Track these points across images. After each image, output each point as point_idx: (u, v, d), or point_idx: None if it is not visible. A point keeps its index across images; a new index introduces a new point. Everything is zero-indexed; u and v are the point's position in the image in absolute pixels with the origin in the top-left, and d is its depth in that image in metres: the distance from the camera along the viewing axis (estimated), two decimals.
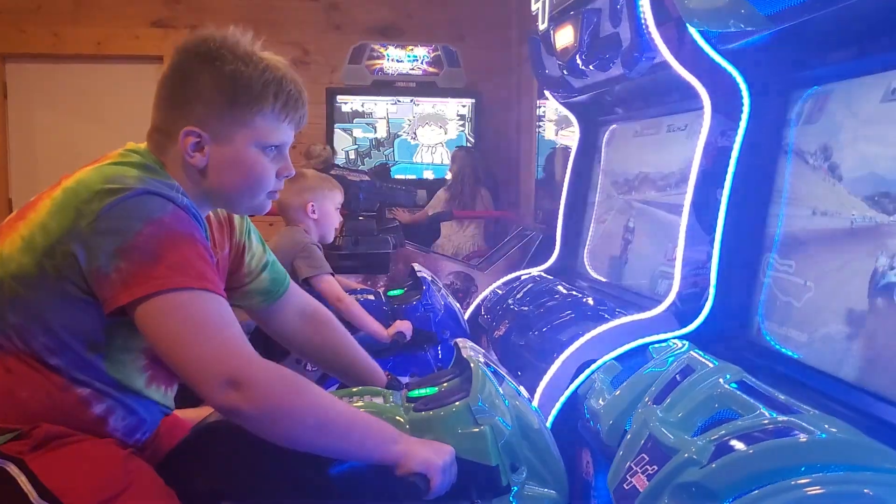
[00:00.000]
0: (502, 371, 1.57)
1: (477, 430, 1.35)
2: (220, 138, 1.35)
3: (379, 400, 1.50)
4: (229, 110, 1.34)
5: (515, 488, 1.38)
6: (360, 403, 1.45)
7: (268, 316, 1.68)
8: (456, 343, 1.64)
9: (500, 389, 1.45)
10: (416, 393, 1.50)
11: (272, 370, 1.22)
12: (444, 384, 1.52)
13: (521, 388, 1.60)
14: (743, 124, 1.88)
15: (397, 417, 1.40)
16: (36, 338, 1.25)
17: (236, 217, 1.58)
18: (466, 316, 3.23)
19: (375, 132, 6.35)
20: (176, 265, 1.20)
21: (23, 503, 1.18)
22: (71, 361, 1.26)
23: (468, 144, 6.09)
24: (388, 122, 6.35)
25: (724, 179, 1.94)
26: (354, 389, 1.60)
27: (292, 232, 2.83)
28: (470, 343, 1.64)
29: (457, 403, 1.38)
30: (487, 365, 1.51)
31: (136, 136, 1.42)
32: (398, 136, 6.40)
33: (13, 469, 1.20)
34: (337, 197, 2.94)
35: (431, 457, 1.28)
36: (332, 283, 2.74)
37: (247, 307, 1.66)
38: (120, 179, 1.25)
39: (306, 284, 2.67)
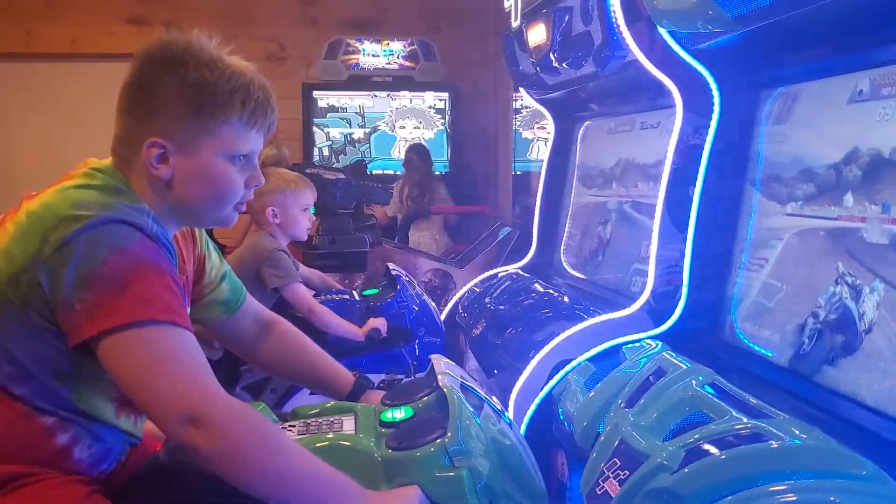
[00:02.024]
0: (481, 392, 1.51)
1: (454, 474, 1.28)
2: (186, 149, 1.29)
3: (350, 423, 1.43)
4: (194, 120, 1.29)
5: None
6: (330, 436, 1.37)
7: (227, 328, 1.62)
8: (431, 360, 1.59)
9: (479, 419, 1.38)
10: (390, 417, 1.42)
11: (236, 410, 1.17)
12: (420, 402, 1.46)
13: (497, 403, 1.55)
14: (714, 123, 1.88)
15: (371, 454, 1.33)
16: (1, 367, 1.19)
17: (195, 228, 1.53)
18: (444, 314, 3.23)
19: (351, 127, 6.32)
20: (141, 297, 1.15)
21: None
22: (36, 391, 1.21)
23: (426, 138, 6.10)
24: (364, 118, 6.33)
25: (696, 177, 1.94)
26: (329, 405, 1.54)
27: (257, 238, 2.73)
28: (444, 361, 1.58)
29: (433, 445, 1.29)
30: (464, 387, 1.46)
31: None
32: (375, 131, 6.37)
33: None
34: (302, 198, 2.80)
35: None
36: (301, 293, 2.67)
37: (207, 320, 1.60)
38: (87, 205, 1.19)
39: (275, 293, 2.63)
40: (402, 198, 5.53)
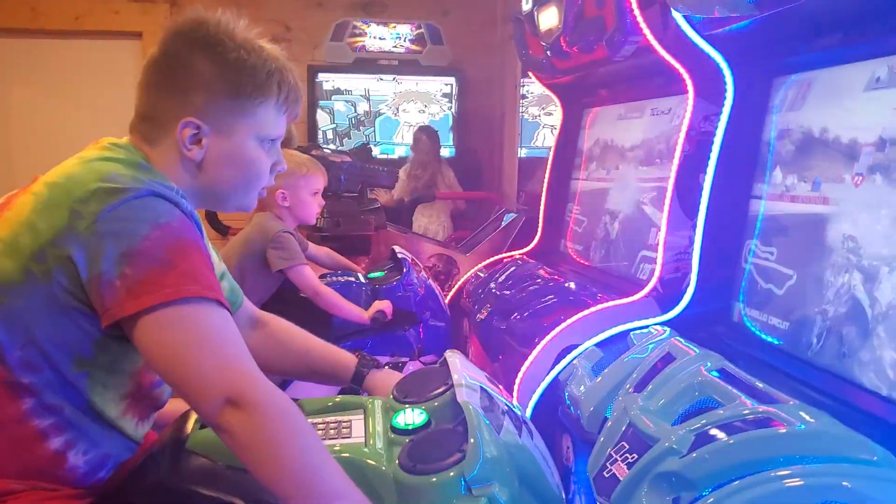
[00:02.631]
0: (501, 398, 1.43)
1: None
2: (221, 130, 1.27)
3: (359, 425, 1.36)
4: (233, 100, 1.27)
5: None
6: (338, 447, 1.28)
7: None
8: (445, 358, 1.51)
9: (500, 435, 1.29)
10: (402, 422, 1.34)
11: (277, 397, 1.12)
12: (435, 402, 1.39)
13: (514, 404, 1.47)
14: (726, 110, 1.87)
15: (383, 473, 1.25)
16: (14, 351, 1.13)
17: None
18: (448, 299, 3.23)
19: (356, 110, 6.30)
20: (187, 273, 1.11)
21: None
22: (49, 379, 1.15)
23: (431, 122, 6.06)
24: (369, 101, 6.30)
25: (707, 164, 1.93)
26: (336, 399, 1.47)
27: (263, 219, 2.71)
28: (461, 360, 1.49)
29: (451, 470, 1.20)
30: (484, 396, 1.37)
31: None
32: (380, 115, 6.35)
33: None
34: (313, 182, 2.77)
35: None
36: (306, 275, 2.65)
37: None
38: (116, 178, 1.15)
39: (281, 275, 2.62)
40: (409, 179, 5.49)
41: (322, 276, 2.89)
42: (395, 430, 1.34)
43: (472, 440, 1.23)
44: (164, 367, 1.12)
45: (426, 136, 5.62)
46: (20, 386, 1.14)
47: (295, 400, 1.41)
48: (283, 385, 2.52)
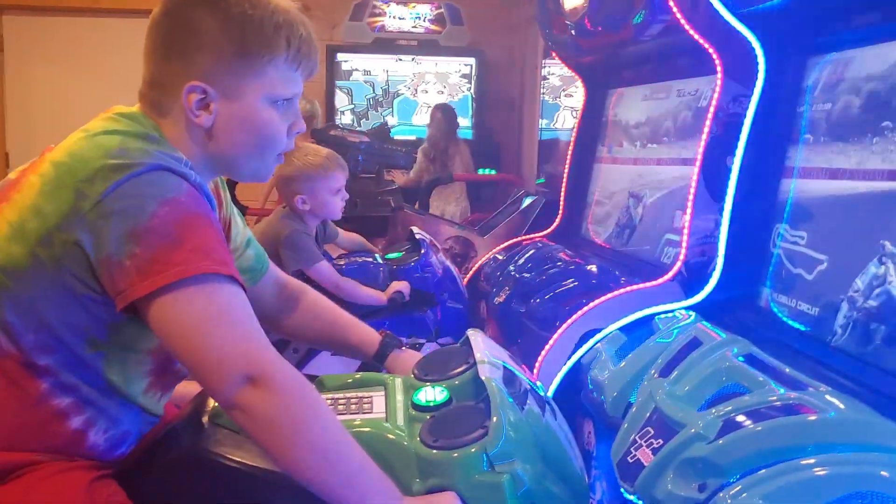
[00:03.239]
0: (524, 376, 1.40)
1: (494, 480, 1.17)
2: (229, 93, 1.19)
3: (380, 401, 1.34)
4: (238, 60, 1.18)
5: None
6: (358, 421, 1.26)
7: (252, 297, 1.48)
8: (467, 336, 1.48)
9: (523, 413, 1.26)
10: (423, 399, 1.31)
11: (294, 375, 1.10)
12: (457, 380, 1.36)
13: (538, 384, 1.44)
14: (757, 91, 1.83)
15: (404, 448, 1.21)
16: (27, 335, 1.10)
17: (221, 189, 1.44)
18: (465, 281, 3.20)
19: (374, 91, 6.26)
20: (198, 249, 1.06)
21: None
22: (64, 360, 1.12)
23: (450, 103, 6.00)
24: (388, 81, 6.26)
25: (735, 147, 1.89)
26: (356, 376, 1.45)
27: (278, 219, 2.65)
28: (483, 338, 1.45)
29: (472, 447, 1.18)
30: (507, 372, 1.35)
31: (135, 92, 1.30)
32: (398, 96, 6.31)
33: None
34: (332, 181, 2.65)
35: None
36: (325, 271, 2.60)
37: None
38: (122, 153, 1.10)
39: (299, 274, 2.59)
40: (424, 158, 5.44)
41: (339, 258, 2.87)
42: (415, 406, 1.31)
43: (494, 416, 1.20)
44: (178, 347, 1.09)
45: (441, 113, 5.57)
46: (37, 367, 1.12)
47: (314, 377, 1.41)
48: (306, 359, 2.51)
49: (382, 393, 1.37)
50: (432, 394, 1.32)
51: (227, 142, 1.23)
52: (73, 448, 1.16)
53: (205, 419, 1.25)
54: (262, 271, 1.54)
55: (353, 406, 1.33)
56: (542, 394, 1.40)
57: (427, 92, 6.29)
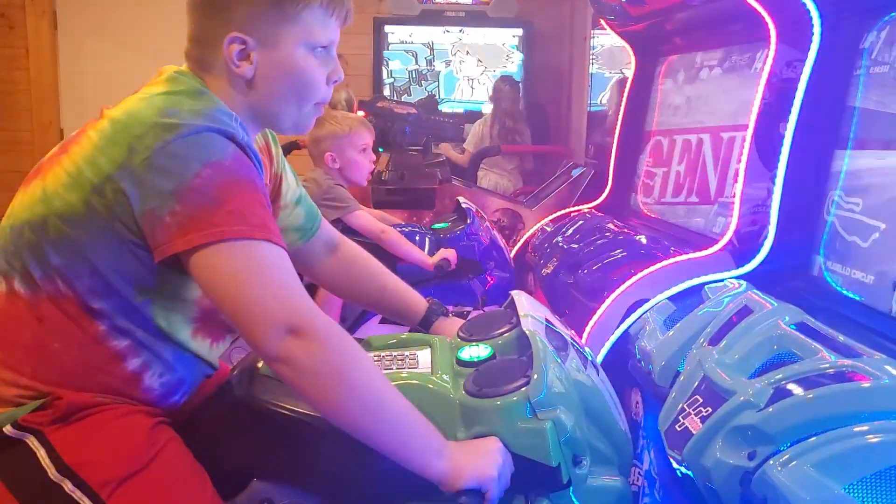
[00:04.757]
0: (566, 333, 1.42)
1: (536, 426, 1.20)
2: (267, 41, 1.23)
3: (425, 358, 1.37)
4: (274, 8, 1.22)
5: (583, 476, 1.26)
6: (405, 374, 1.30)
7: (301, 255, 1.55)
8: (511, 296, 1.51)
9: (566, 366, 1.29)
10: (468, 356, 1.34)
11: (336, 327, 1.13)
12: (499, 340, 1.39)
13: (581, 343, 1.46)
14: (812, 54, 1.78)
15: (449, 397, 1.25)
16: (81, 279, 1.15)
17: (272, 145, 1.49)
18: (513, 253, 3.20)
19: (417, 63, 6.20)
20: (236, 212, 1.10)
21: (41, 478, 1.12)
22: (117, 305, 1.17)
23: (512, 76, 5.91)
24: (433, 52, 6.21)
25: (788, 113, 1.85)
26: (402, 336, 1.49)
27: (316, 175, 2.74)
28: (527, 298, 1.48)
29: (515, 395, 1.21)
30: (549, 328, 1.38)
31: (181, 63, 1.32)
32: (447, 66, 6.25)
33: (33, 442, 1.14)
34: (358, 139, 2.77)
35: (485, 469, 1.15)
36: (366, 218, 2.67)
37: None
38: (174, 113, 1.14)
39: (339, 223, 2.63)
40: (491, 133, 5.37)
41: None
42: (460, 362, 1.34)
43: (537, 366, 1.23)
44: (219, 301, 1.12)
45: (508, 85, 5.48)
46: (93, 310, 1.17)
47: (360, 339, 1.44)
48: (353, 328, 2.55)
49: (428, 351, 1.41)
50: (476, 351, 1.36)
51: (268, 91, 1.27)
52: (130, 391, 1.21)
53: (259, 369, 1.29)
54: (313, 230, 1.58)
55: (399, 362, 1.37)
56: (582, 350, 1.43)
57: (465, 63, 6.20)
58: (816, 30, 1.77)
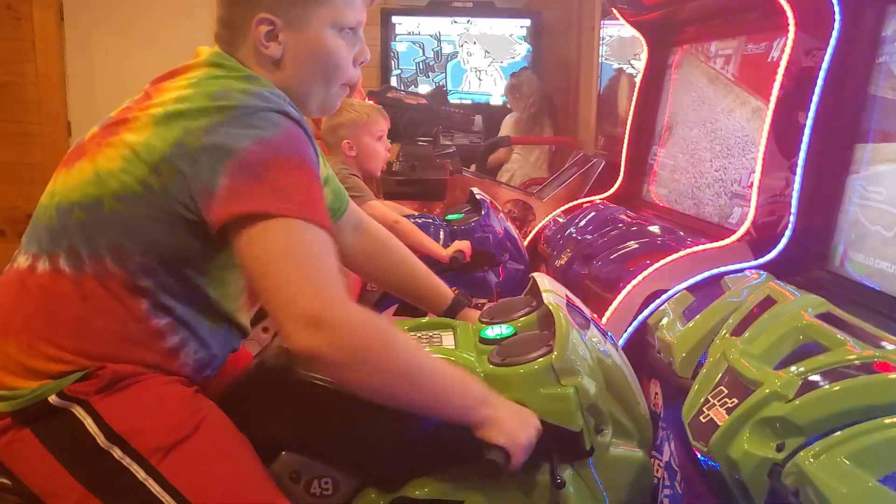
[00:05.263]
0: (585, 312, 1.46)
1: (560, 391, 1.23)
2: (295, 22, 1.24)
3: (450, 338, 1.41)
4: None
5: (605, 444, 1.30)
6: (426, 349, 1.35)
7: None
8: (532, 277, 1.54)
9: (586, 339, 1.34)
10: (489, 334, 1.39)
11: (359, 314, 1.13)
12: (520, 321, 1.43)
13: (601, 324, 1.50)
14: (833, 42, 1.76)
15: (473, 368, 1.30)
16: (132, 257, 1.18)
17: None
18: (525, 244, 3.18)
19: (424, 54, 6.16)
20: (279, 190, 1.11)
21: (91, 446, 1.15)
22: (164, 282, 1.20)
23: (527, 67, 5.86)
24: (440, 43, 6.17)
25: (807, 102, 1.83)
26: (421, 321, 1.52)
27: (331, 163, 2.72)
28: (548, 279, 1.52)
29: (539, 361, 1.25)
30: (571, 307, 1.41)
31: (192, 59, 1.32)
32: (452, 59, 6.22)
33: (79, 411, 1.16)
34: (375, 126, 2.78)
35: (517, 433, 1.18)
36: (380, 208, 2.67)
37: None
38: (226, 94, 1.17)
39: None
40: (526, 121, 5.21)
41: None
42: (483, 340, 1.38)
43: (559, 334, 1.27)
44: (251, 278, 1.14)
45: (535, 78, 5.38)
46: (138, 288, 1.19)
47: None
48: (382, 300, 2.55)
49: (451, 333, 1.45)
50: (498, 329, 1.40)
51: (296, 71, 1.28)
52: (167, 366, 1.24)
53: None
54: (341, 211, 1.61)
55: (424, 341, 1.41)
56: (602, 329, 1.47)
57: (473, 55, 6.16)
58: (837, 16, 1.74)
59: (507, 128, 5.29)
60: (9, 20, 5.69)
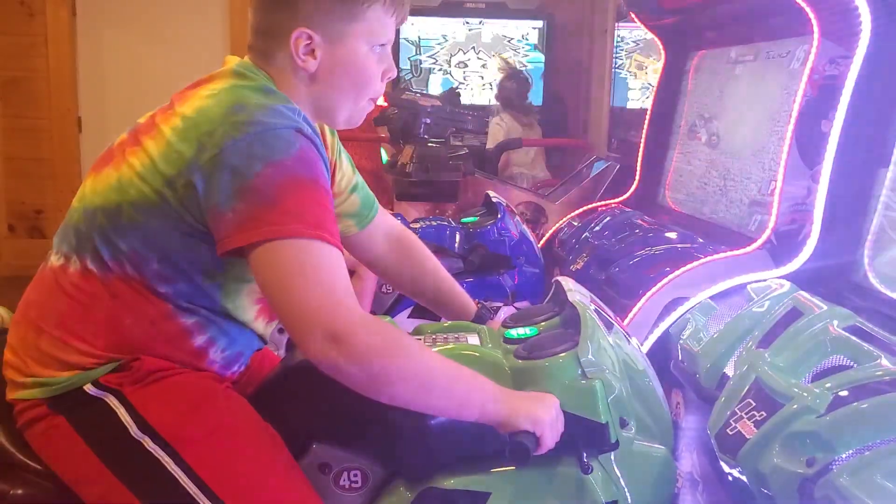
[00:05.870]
0: (608, 314, 1.47)
1: (586, 383, 1.25)
2: (332, 37, 1.27)
3: (474, 339, 1.43)
4: (342, 5, 1.26)
5: (629, 439, 1.31)
6: (451, 346, 1.37)
7: (358, 242, 1.62)
8: (557, 281, 1.55)
9: (610, 337, 1.35)
10: (513, 334, 1.41)
11: (375, 327, 1.15)
12: (543, 323, 1.44)
13: (624, 327, 1.51)
14: (862, 51, 1.74)
15: (500, 363, 1.32)
16: (149, 264, 1.21)
17: (328, 134, 1.51)
18: (539, 247, 3.16)
19: (435, 55, 6.15)
20: (292, 212, 1.13)
21: (123, 435, 1.18)
22: (183, 289, 1.23)
23: (524, 68, 5.83)
24: (451, 45, 6.15)
25: (830, 111, 1.82)
26: (446, 324, 1.54)
27: None
28: (572, 282, 1.53)
29: (564, 354, 1.27)
30: (595, 310, 1.42)
31: (204, 57, 1.32)
32: (464, 66, 6.20)
33: (113, 401, 1.19)
34: None
35: (538, 412, 1.20)
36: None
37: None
38: (242, 108, 1.18)
39: None
40: (518, 124, 5.24)
41: (414, 221, 2.87)
42: (507, 340, 1.40)
43: (584, 330, 1.29)
44: (269, 297, 1.16)
45: (514, 82, 5.36)
46: (158, 293, 1.23)
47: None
48: (396, 303, 2.54)
49: (476, 335, 1.47)
50: (523, 330, 1.42)
51: (329, 85, 1.31)
52: (196, 362, 1.28)
53: None
54: (370, 217, 1.62)
55: (451, 341, 1.42)
56: (625, 332, 1.48)
57: (481, 56, 6.14)
58: (867, 25, 1.73)
59: (500, 130, 5.28)
60: (21, 15, 5.69)
